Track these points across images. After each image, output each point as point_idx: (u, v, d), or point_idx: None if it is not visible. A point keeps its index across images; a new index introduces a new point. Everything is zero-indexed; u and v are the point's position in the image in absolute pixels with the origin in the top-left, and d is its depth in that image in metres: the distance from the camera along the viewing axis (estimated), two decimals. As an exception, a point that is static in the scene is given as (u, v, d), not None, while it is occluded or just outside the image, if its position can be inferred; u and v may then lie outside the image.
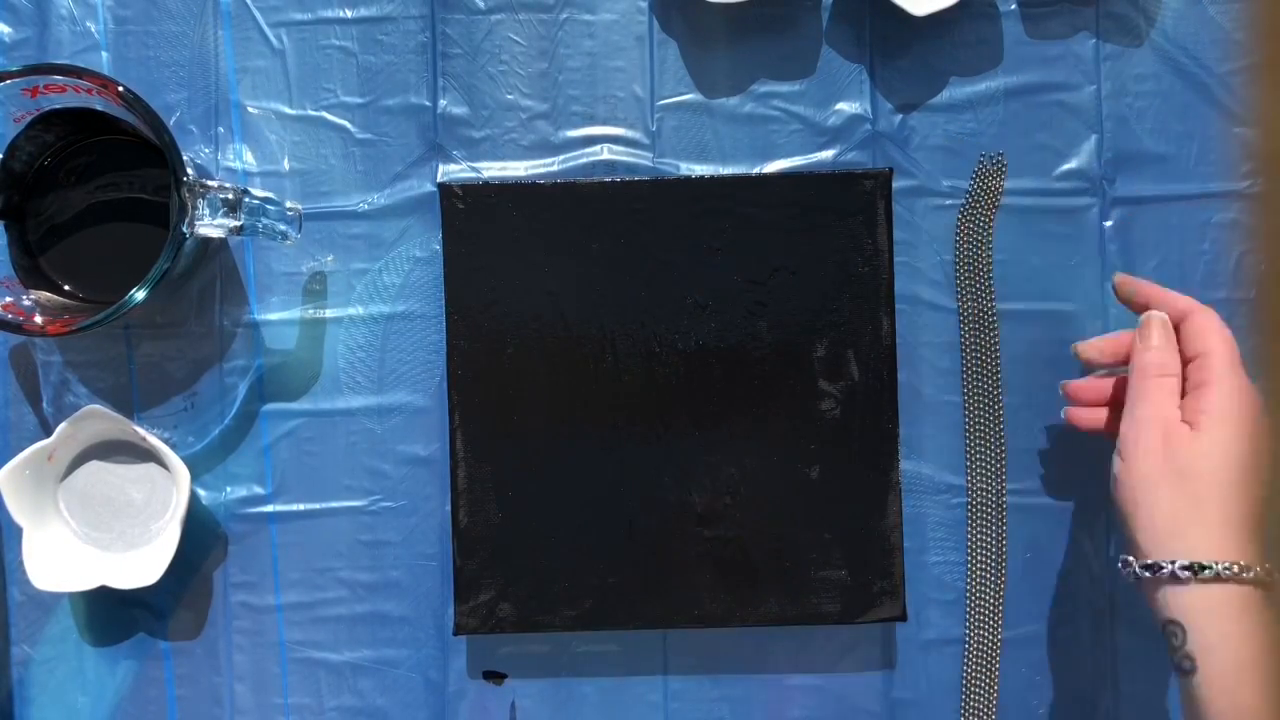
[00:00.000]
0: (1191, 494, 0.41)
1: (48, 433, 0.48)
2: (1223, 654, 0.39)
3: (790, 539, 0.47)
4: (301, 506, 0.50)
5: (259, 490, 0.50)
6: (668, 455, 0.47)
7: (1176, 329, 0.45)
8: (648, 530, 0.47)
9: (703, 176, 0.48)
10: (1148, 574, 0.41)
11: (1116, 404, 0.46)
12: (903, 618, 0.47)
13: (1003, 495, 0.51)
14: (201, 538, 0.50)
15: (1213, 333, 0.43)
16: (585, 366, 0.47)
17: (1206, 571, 0.40)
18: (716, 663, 0.50)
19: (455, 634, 0.47)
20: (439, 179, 0.50)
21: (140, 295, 0.43)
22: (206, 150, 0.51)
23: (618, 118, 0.51)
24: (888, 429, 0.47)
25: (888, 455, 0.47)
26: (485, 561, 0.47)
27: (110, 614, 0.50)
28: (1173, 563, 0.40)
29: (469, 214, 0.46)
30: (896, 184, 0.51)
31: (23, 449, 0.47)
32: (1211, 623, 0.40)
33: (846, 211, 0.47)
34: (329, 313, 0.50)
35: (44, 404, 0.50)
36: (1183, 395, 0.43)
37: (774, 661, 0.50)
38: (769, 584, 0.47)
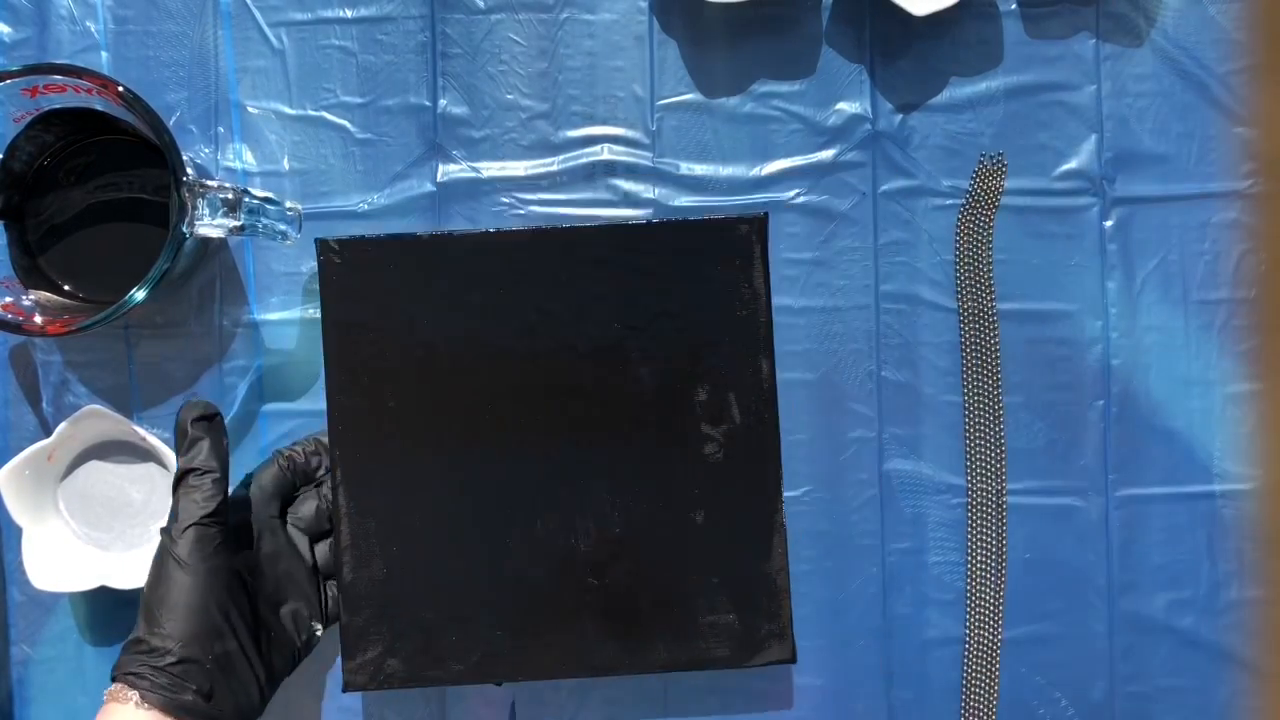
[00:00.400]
0: None
1: (47, 433, 0.48)
2: None
3: (678, 585, 0.46)
4: (301, 506, 0.50)
5: (259, 490, 0.50)
6: (553, 505, 0.46)
7: None
8: (535, 580, 0.46)
9: (578, 227, 0.47)
10: None
11: None
12: (791, 659, 0.46)
13: (1003, 495, 0.51)
14: (201, 538, 0.50)
15: None
16: (467, 418, 0.46)
17: None
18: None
19: (344, 691, 0.46)
20: (438, 179, 0.50)
21: (140, 295, 0.43)
22: (206, 150, 0.51)
23: (618, 118, 0.51)
24: (770, 470, 0.46)
25: (771, 497, 0.46)
26: (371, 617, 0.46)
27: (110, 614, 0.50)
28: None
29: (345, 269, 0.46)
30: (896, 184, 0.51)
31: (22, 449, 0.47)
32: None
33: (724, 256, 0.46)
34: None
35: (44, 404, 0.50)
36: None
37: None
38: (658, 631, 0.46)
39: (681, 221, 0.46)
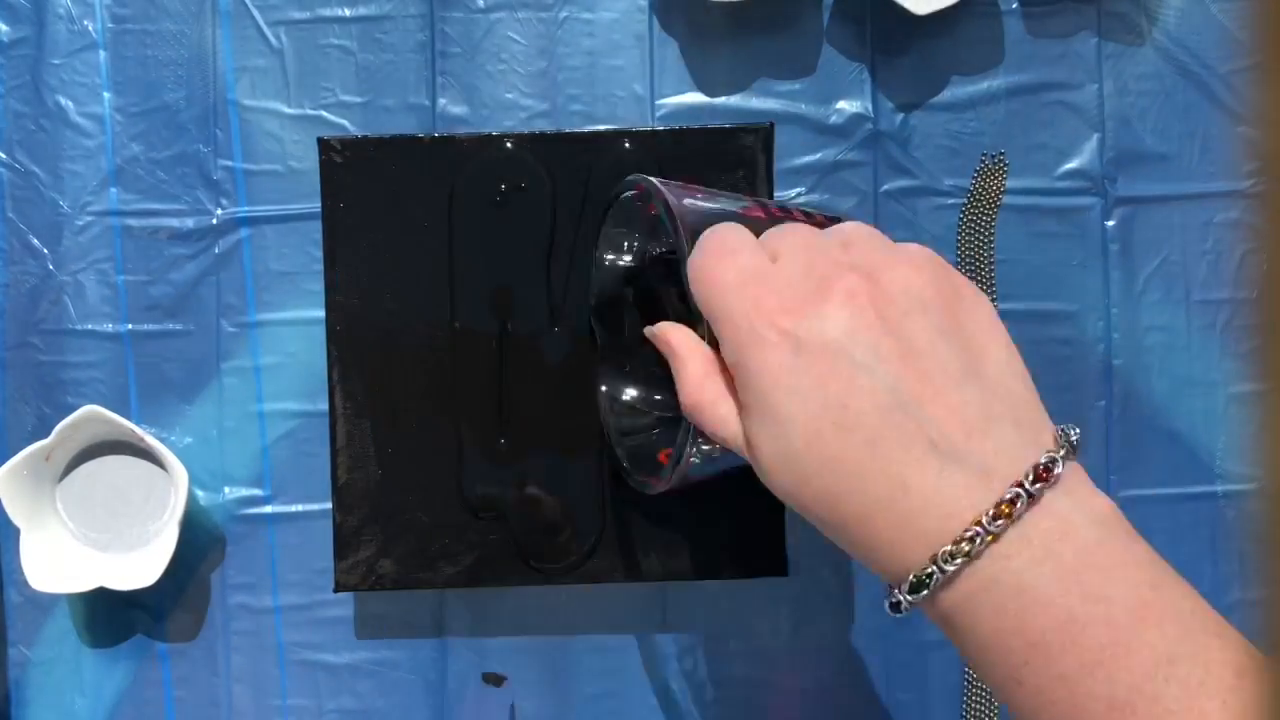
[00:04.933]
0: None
1: (45, 433, 0.48)
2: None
3: (674, 495, 0.47)
4: (300, 508, 0.50)
5: (257, 491, 0.50)
6: (551, 411, 0.47)
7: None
8: (530, 487, 0.47)
9: (580, 132, 0.47)
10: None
11: None
12: (783, 573, 0.47)
13: (1004, 496, 0.51)
14: (199, 539, 0.50)
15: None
16: (466, 320, 0.47)
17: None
18: (716, 662, 0.50)
19: (335, 591, 0.46)
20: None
21: None
22: (204, 149, 0.50)
23: (618, 117, 0.51)
24: None
25: None
26: (365, 518, 0.46)
27: (108, 615, 0.50)
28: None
29: (346, 167, 0.46)
30: (897, 184, 0.51)
31: (20, 449, 0.47)
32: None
33: (728, 166, 0.47)
34: (328, 313, 0.50)
35: (42, 404, 0.50)
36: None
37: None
38: (653, 541, 0.47)
39: (686, 129, 0.47)
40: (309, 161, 0.49)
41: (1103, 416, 0.51)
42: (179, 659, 0.50)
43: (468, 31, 0.51)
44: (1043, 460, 0.30)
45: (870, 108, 0.51)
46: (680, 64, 0.51)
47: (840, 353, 0.30)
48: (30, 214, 0.50)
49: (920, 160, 0.51)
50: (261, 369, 0.50)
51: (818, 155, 0.51)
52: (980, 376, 0.31)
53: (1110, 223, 0.51)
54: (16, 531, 0.47)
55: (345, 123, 0.50)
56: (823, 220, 0.39)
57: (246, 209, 0.50)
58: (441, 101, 0.51)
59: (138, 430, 0.47)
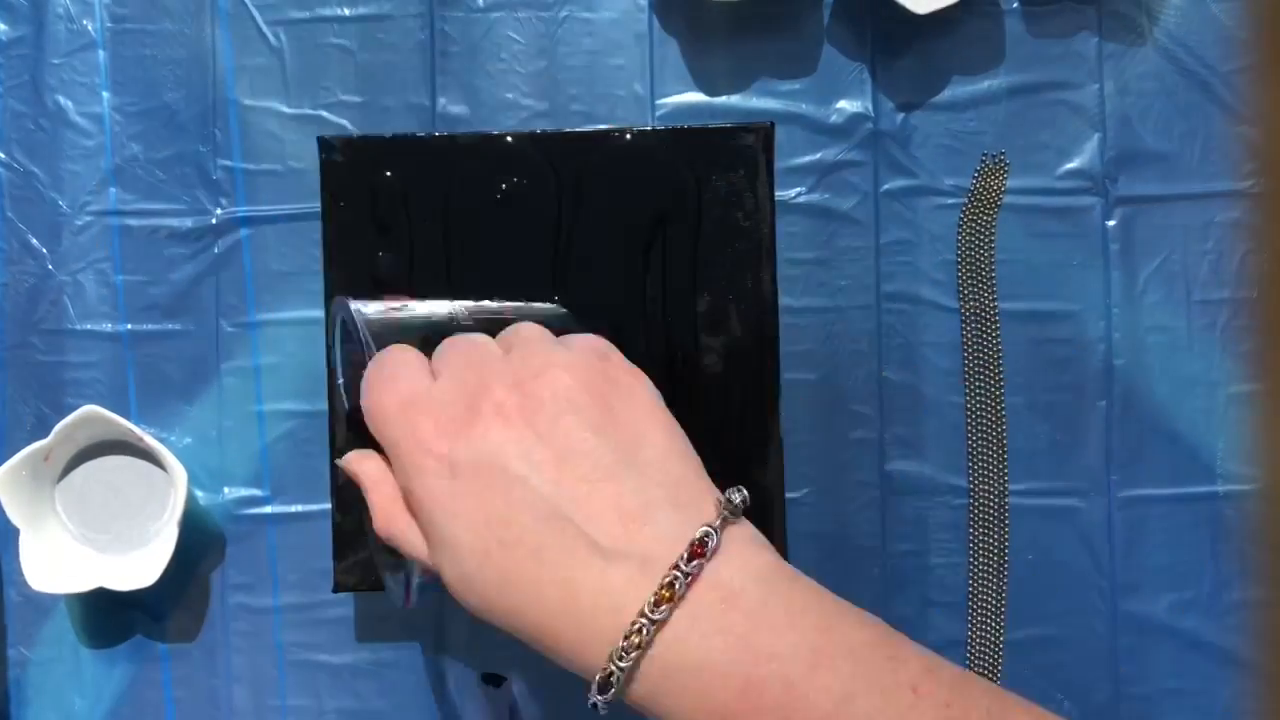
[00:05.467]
0: None
1: (44, 433, 0.48)
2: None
3: None
4: (300, 508, 0.50)
5: (257, 491, 0.50)
6: None
7: None
8: None
9: (581, 131, 0.48)
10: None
11: None
12: None
13: (1005, 496, 0.51)
14: (199, 539, 0.50)
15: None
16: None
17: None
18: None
19: (335, 591, 0.46)
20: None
21: None
22: (204, 149, 0.50)
23: (617, 116, 0.51)
24: (768, 382, 0.46)
25: (768, 409, 0.46)
26: (365, 518, 0.46)
27: (107, 616, 0.50)
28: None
29: (346, 167, 0.46)
30: (897, 184, 0.51)
31: (19, 449, 0.47)
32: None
33: (728, 166, 0.47)
34: (327, 313, 0.50)
35: (41, 404, 0.50)
36: None
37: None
38: None
39: (686, 129, 0.47)
40: (309, 161, 0.49)
41: (1103, 417, 0.51)
42: (178, 659, 0.50)
43: (468, 31, 0.51)
44: (697, 536, 0.31)
45: (870, 107, 0.51)
46: (680, 64, 0.51)
47: (495, 469, 0.31)
48: (29, 214, 0.50)
49: (920, 160, 0.51)
50: (261, 369, 0.50)
51: (818, 155, 0.51)
52: (636, 465, 0.32)
53: (1111, 223, 0.51)
54: (16, 532, 0.47)
55: (345, 122, 0.50)
56: (533, 314, 0.40)
57: (246, 209, 0.50)
58: (441, 101, 0.50)
59: (137, 430, 0.47)
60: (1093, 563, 0.50)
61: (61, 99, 0.50)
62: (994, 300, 0.51)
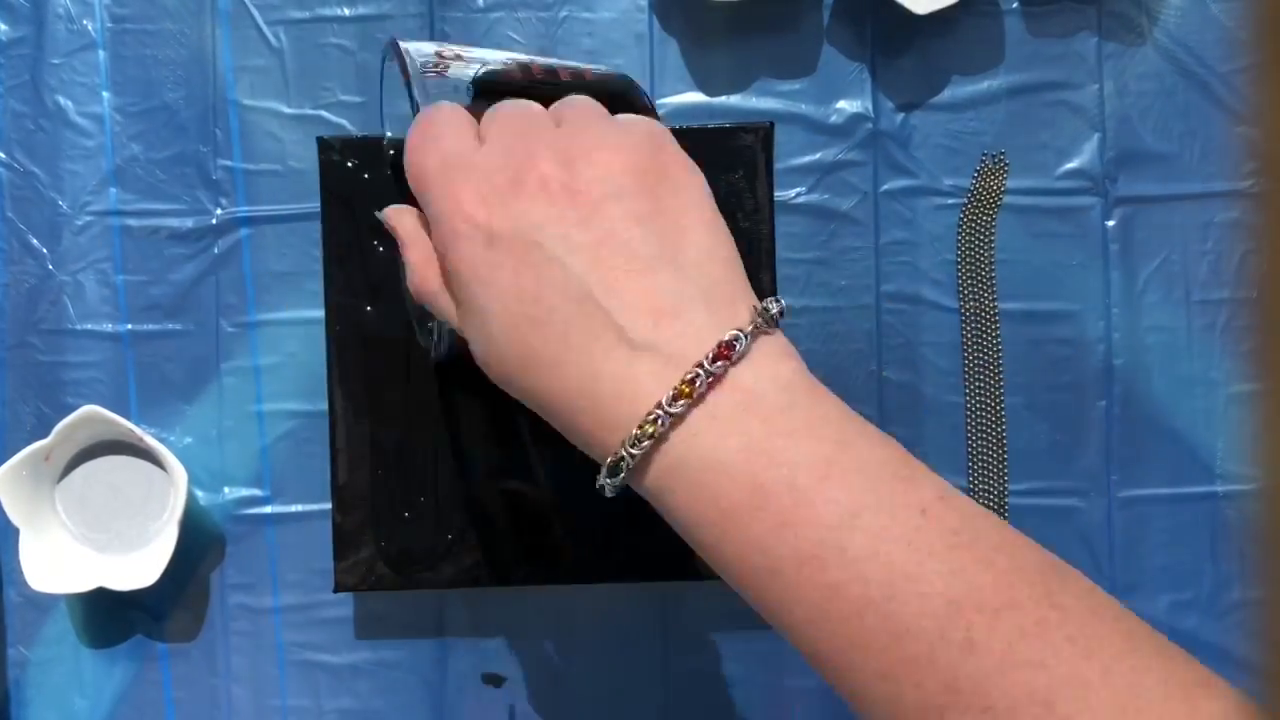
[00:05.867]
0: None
1: (45, 433, 0.48)
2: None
3: None
4: (300, 508, 0.50)
5: (257, 491, 0.50)
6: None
7: None
8: (529, 488, 0.47)
9: None
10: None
11: None
12: None
13: (1005, 496, 0.51)
14: (199, 539, 0.50)
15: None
16: None
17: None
18: (716, 662, 0.50)
19: (335, 591, 0.47)
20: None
21: None
22: (204, 149, 0.50)
23: (618, 117, 0.51)
24: None
25: None
26: (365, 518, 0.47)
27: (107, 616, 0.50)
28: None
29: (345, 168, 0.47)
30: (897, 184, 0.51)
31: (20, 449, 0.47)
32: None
33: (728, 166, 0.47)
34: (327, 313, 0.50)
35: (41, 404, 0.50)
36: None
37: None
38: (651, 543, 0.47)
39: (686, 129, 0.47)
40: (309, 161, 0.49)
41: (1103, 416, 0.51)
42: (178, 659, 0.50)
43: (468, 31, 0.51)
44: (725, 338, 0.30)
45: (870, 107, 0.51)
46: (680, 64, 0.51)
47: (532, 245, 0.30)
48: (30, 214, 0.50)
49: (920, 160, 0.51)
50: (261, 369, 0.50)
51: (818, 155, 0.51)
52: (675, 262, 0.31)
53: (1110, 223, 0.51)
54: (16, 532, 0.47)
55: (345, 122, 0.50)
56: (591, 78, 0.38)
57: (246, 209, 0.50)
58: (441, 101, 0.50)
59: (137, 430, 0.47)
60: (1092, 562, 0.50)
61: (62, 99, 0.50)
62: (994, 300, 0.51)
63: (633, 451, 0.30)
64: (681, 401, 0.30)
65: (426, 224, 0.34)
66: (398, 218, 0.35)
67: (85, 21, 0.50)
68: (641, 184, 0.32)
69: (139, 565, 0.47)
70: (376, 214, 0.37)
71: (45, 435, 0.47)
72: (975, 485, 0.51)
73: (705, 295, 0.31)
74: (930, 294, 0.51)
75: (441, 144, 0.32)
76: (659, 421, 0.30)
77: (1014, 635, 0.28)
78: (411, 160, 0.33)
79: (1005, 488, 0.51)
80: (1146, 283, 0.51)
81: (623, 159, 0.32)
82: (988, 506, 0.50)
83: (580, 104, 0.34)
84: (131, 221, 0.50)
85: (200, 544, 0.50)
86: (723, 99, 0.51)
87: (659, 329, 0.30)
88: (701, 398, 0.30)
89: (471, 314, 0.32)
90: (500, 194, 0.31)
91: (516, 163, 0.31)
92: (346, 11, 0.51)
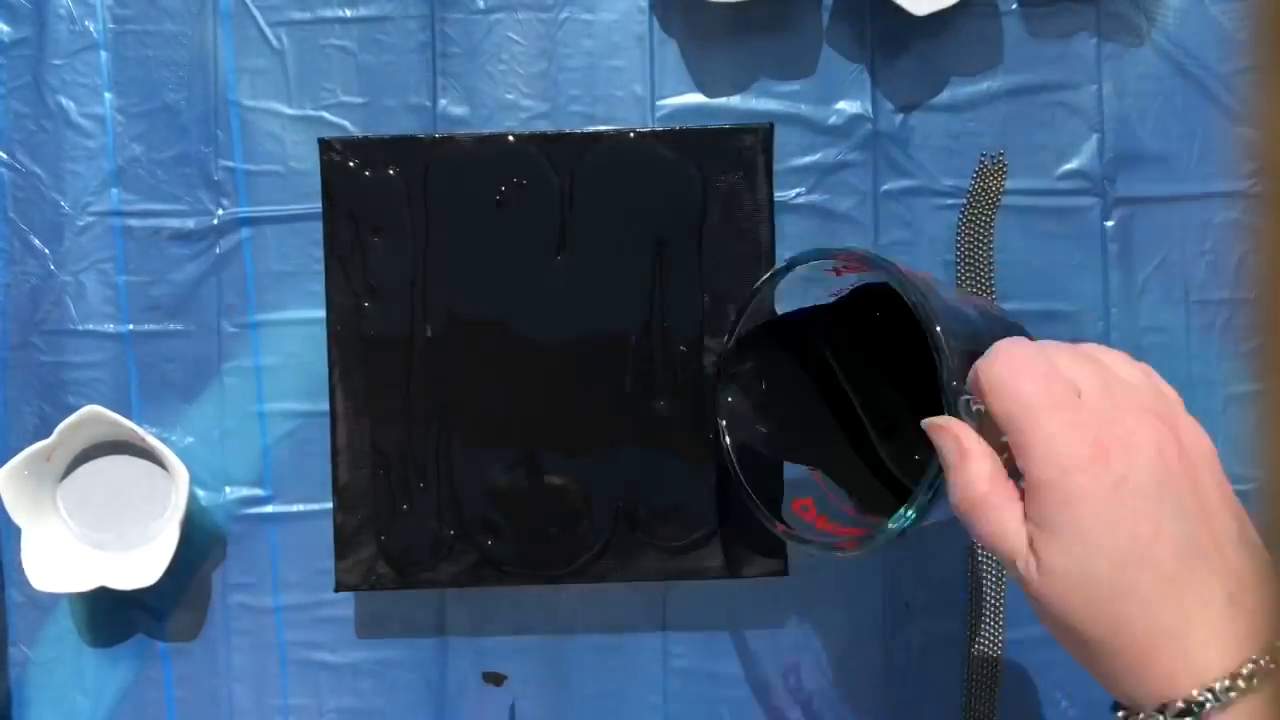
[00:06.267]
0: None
1: (47, 433, 0.48)
2: None
3: (673, 495, 0.47)
4: (301, 508, 0.50)
5: (258, 491, 0.50)
6: (550, 412, 0.47)
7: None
8: (530, 488, 0.47)
9: (579, 133, 0.48)
10: None
11: None
12: (783, 572, 0.47)
13: (1004, 496, 0.51)
14: (200, 539, 0.50)
15: (996, 380, 0.35)
16: (470, 319, 0.47)
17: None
18: (715, 662, 0.50)
19: (336, 590, 0.47)
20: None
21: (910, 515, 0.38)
22: (205, 150, 0.50)
23: (618, 118, 0.51)
24: None
25: None
26: (365, 518, 0.47)
27: (109, 615, 0.50)
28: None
29: (347, 169, 0.47)
30: (897, 184, 0.51)
31: (22, 449, 0.47)
32: None
33: (728, 166, 0.47)
34: (328, 313, 0.50)
35: (43, 404, 0.50)
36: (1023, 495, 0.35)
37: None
38: (652, 540, 0.47)
39: (686, 130, 0.47)
40: (310, 162, 0.49)
41: (1102, 416, 0.51)
42: (180, 658, 0.50)
43: (468, 32, 0.51)
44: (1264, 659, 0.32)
45: (870, 108, 0.51)
46: (680, 64, 0.51)
47: (1151, 498, 0.33)
48: (31, 214, 0.50)
49: (920, 160, 0.51)
50: (262, 369, 0.50)
51: (818, 155, 0.51)
52: (1251, 546, 0.34)
53: (1110, 223, 0.51)
54: (18, 531, 0.47)
55: (346, 123, 0.51)
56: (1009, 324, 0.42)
57: (247, 209, 0.50)
58: (442, 102, 0.51)
59: (139, 430, 0.47)
60: (1092, 562, 0.50)
61: (63, 100, 0.50)
62: (992, 300, 0.51)
63: (1206, 701, 0.31)
64: (1267, 659, 0.32)
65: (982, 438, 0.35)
66: (956, 426, 0.36)
67: (87, 22, 0.51)
68: (1217, 462, 0.35)
69: (140, 565, 0.47)
70: (923, 422, 0.37)
71: (47, 435, 0.47)
72: (975, 485, 0.51)
73: (1258, 588, 0.33)
74: (930, 294, 0.51)
75: (1047, 382, 0.34)
76: (1254, 679, 0.31)
77: None
78: (1009, 388, 0.34)
79: (1005, 488, 0.51)
80: (1145, 283, 0.51)
81: (1207, 440, 0.36)
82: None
83: (1141, 374, 0.37)
84: (133, 222, 0.50)
85: (202, 543, 0.50)
86: (722, 100, 0.51)
87: (1242, 600, 0.32)
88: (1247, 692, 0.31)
89: (1074, 545, 0.33)
90: (1123, 443, 0.33)
91: (1131, 419, 0.34)
92: (348, 13, 0.51)
